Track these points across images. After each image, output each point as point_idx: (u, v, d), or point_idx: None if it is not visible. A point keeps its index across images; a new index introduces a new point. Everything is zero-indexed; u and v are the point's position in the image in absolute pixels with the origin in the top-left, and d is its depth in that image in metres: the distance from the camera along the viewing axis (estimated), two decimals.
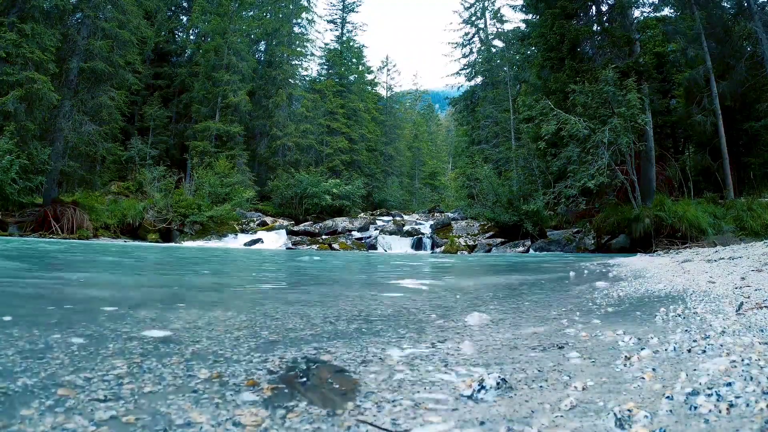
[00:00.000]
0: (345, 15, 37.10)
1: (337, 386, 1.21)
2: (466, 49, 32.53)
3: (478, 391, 1.14)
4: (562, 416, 0.97)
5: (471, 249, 15.58)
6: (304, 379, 1.26)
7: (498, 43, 30.79)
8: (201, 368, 1.34)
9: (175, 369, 1.32)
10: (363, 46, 37.32)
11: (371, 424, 0.94)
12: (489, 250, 15.25)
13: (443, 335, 1.93)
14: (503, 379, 1.18)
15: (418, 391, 1.17)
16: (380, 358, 1.51)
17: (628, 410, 0.95)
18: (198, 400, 1.08)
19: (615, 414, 0.93)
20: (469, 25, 32.42)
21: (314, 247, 16.33)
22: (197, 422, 0.95)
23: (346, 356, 1.54)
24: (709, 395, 0.98)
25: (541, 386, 1.19)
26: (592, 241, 14.46)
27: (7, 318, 1.97)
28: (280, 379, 1.25)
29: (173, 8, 29.48)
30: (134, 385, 1.17)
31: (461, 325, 2.16)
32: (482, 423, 0.95)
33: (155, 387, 1.16)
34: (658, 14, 17.27)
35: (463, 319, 2.31)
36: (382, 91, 40.73)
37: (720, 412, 0.91)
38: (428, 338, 1.87)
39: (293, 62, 32.15)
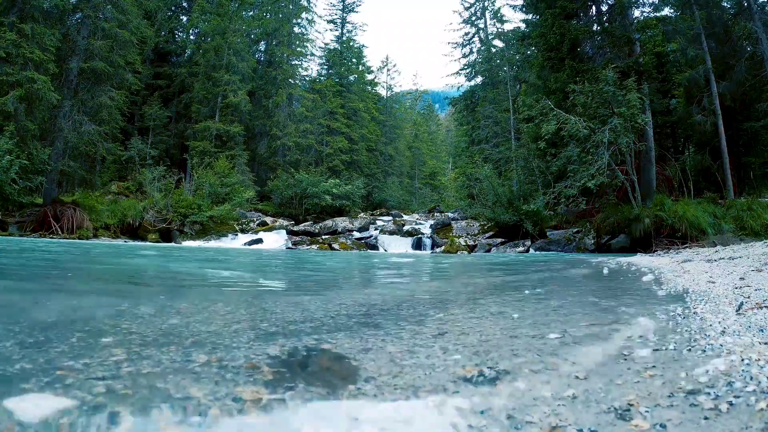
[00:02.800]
0: (345, 15, 37.11)
1: (337, 371, 1.22)
2: (466, 49, 32.55)
3: (479, 377, 1.15)
4: (563, 405, 0.97)
5: (471, 249, 15.58)
6: (305, 364, 1.27)
7: (498, 43, 30.78)
8: (200, 354, 1.36)
9: (174, 356, 1.35)
10: (363, 46, 37.35)
11: (369, 421, 0.94)
12: (489, 250, 15.25)
13: (443, 327, 1.94)
14: (504, 371, 1.19)
15: (419, 377, 1.18)
16: (380, 347, 1.53)
17: (629, 406, 0.95)
18: (198, 380, 1.10)
19: (616, 409, 0.93)
20: (469, 25, 32.43)
21: (314, 246, 16.33)
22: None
23: (347, 345, 1.56)
24: (709, 394, 0.99)
25: (541, 377, 1.20)
26: (592, 241, 14.45)
27: None
28: (281, 363, 1.27)
29: (173, 8, 29.46)
30: (133, 368, 1.19)
31: (459, 317, 2.16)
32: (481, 412, 0.95)
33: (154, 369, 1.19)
34: (658, 14, 17.24)
35: (460, 312, 2.32)
36: (382, 91, 40.74)
37: (720, 411, 0.92)
38: (428, 330, 1.88)
39: (293, 62, 32.14)
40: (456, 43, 32.72)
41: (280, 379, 1.14)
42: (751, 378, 1.06)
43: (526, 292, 3.77)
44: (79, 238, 13.99)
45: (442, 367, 1.29)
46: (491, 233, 16.80)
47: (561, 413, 0.93)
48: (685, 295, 3.03)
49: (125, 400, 0.97)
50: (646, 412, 0.92)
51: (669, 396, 1.00)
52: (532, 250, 14.72)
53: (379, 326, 2.00)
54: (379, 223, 20.78)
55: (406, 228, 18.83)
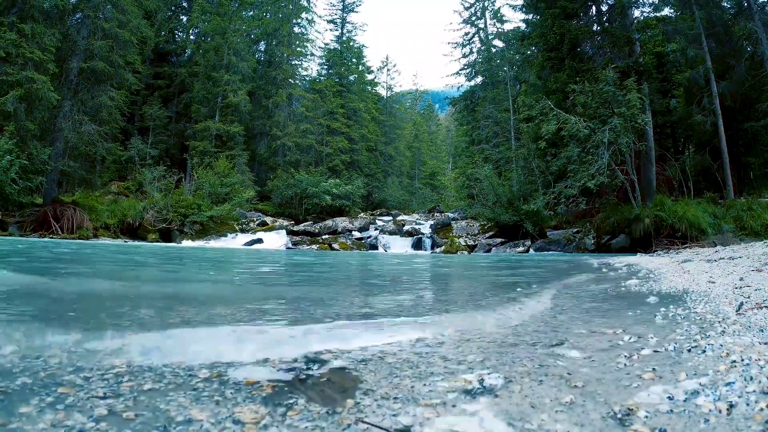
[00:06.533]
0: (345, 15, 37.10)
1: (337, 383, 1.21)
2: (466, 49, 32.53)
3: (479, 386, 1.14)
4: (562, 413, 0.97)
5: (471, 249, 15.58)
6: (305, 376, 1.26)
7: (498, 43, 30.78)
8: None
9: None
10: (363, 46, 37.32)
11: (371, 423, 0.94)
12: (489, 250, 15.25)
13: (441, 332, 1.93)
14: (504, 376, 1.19)
15: (418, 387, 1.17)
16: (380, 357, 1.52)
17: (629, 409, 0.95)
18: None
19: (615, 412, 0.93)
20: (469, 25, 32.41)
21: (314, 247, 16.32)
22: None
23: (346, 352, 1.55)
24: (709, 395, 0.98)
25: (541, 382, 1.20)
26: (592, 241, 14.45)
27: None
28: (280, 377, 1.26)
29: (173, 8, 29.46)
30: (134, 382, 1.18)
31: (459, 321, 2.16)
32: (482, 419, 0.95)
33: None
34: (658, 14, 17.25)
35: (461, 316, 2.32)
36: (382, 91, 40.71)
37: (720, 412, 0.91)
38: (428, 333, 1.88)
39: (293, 62, 32.13)
40: (456, 43, 32.72)
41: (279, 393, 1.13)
42: (751, 378, 1.06)
43: (526, 295, 3.77)
44: (79, 238, 13.99)
45: (442, 375, 1.29)
46: (491, 233, 16.80)
47: (560, 419, 0.93)
48: (685, 295, 3.03)
49: None
50: (646, 416, 0.91)
51: (669, 398, 0.99)
52: (532, 250, 14.72)
53: (379, 329, 1.99)
54: (379, 223, 20.77)
55: (406, 228, 18.82)
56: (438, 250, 16.10)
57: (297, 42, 32.91)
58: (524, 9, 23.20)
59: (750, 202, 12.90)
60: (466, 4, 32.15)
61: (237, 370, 1.28)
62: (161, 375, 1.24)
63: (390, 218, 22.81)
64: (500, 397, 1.09)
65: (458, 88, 32.88)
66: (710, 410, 0.92)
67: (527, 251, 14.67)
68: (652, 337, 1.68)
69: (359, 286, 4.85)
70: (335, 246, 16.47)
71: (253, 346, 1.57)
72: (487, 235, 16.90)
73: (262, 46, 32.02)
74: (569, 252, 14.12)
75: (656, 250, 11.32)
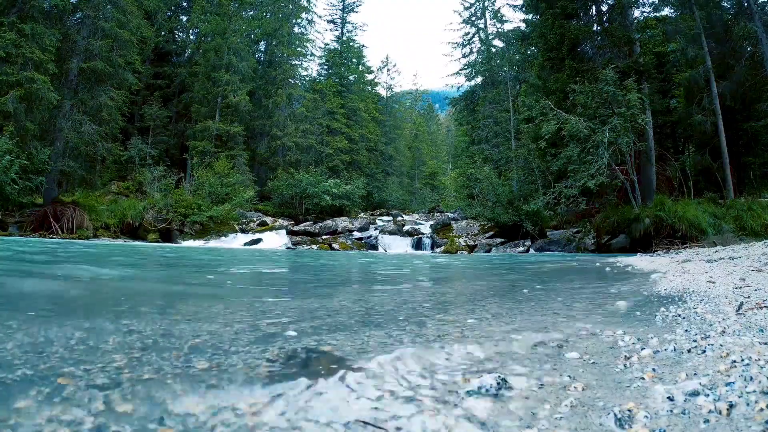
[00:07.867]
0: (345, 15, 37.14)
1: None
2: (466, 49, 32.53)
3: (478, 389, 1.14)
4: (562, 416, 0.97)
5: (471, 249, 15.58)
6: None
7: (498, 43, 30.77)
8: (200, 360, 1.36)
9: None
10: (363, 46, 37.38)
11: (371, 424, 0.94)
12: (489, 250, 15.25)
13: (444, 330, 1.93)
14: (503, 379, 1.18)
15: (418, 387, 1.17)
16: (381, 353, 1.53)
17: (629, 410, 0.95)
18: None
19: (615, 414, 0.93)
20: (469, 25, 32.41)
21: (314, 247, 16.32)
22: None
23: (348, 348, 1.56)
24: (709, 395, 0.98)
25: (541, 385, 1.19)
26: (592, 241, 14.45)
27: None
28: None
29: (173, 8, 29.45)
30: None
31: (459, 320, 2.16)
32: (482, 423, 0.95)
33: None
34: (658, 14, 17.25)
35: (461, 315, 2.31)
36: (382, 91, 40.74)
37: (720, 412, 0.91)
38: (429, 333, 1.88)
39: (293, 62, 32.15)
40: (456, 43, 32.71)
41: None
42: (751, 378, 1.06)
43: (525, 296, 3.77)
44: (79, 238, 13.99)
45: (443, 377, 1.29)
46: (491, 233, 16.80)
47: (560, 424, 0.93)
48: (685, 295, 3.03)
49: None
50: (646, 417, 0.91)
51: (669, 399, 0.99)
52: (532, 250, 14.72)
53: (379, 326, 1.99)
54: (379, 223, 20.78)
55: (406, 228, 18.82)
56: (438, 250, 16.10)
57: (297, 42, 32.93)
58: (524, 9, 23.21)
59: (750, 202, 12.90)
60: (466, 4, 32.16)
61: None
62: None
63: (390, 218, 22.82)
64: (500, 399, 1.09)
65: (458, 88, 32.89)
66: (710, 411, 0.92)
67: (527, 251, 14.67)
68: (652, 338, 1.68)
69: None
70: (335, 246, 16.47)
71: None
72: (487, 235, 16.90)
73: (262, 46, 32.04)
74: (569, 252, 14.12)
75: (656, 250, 11.32)
